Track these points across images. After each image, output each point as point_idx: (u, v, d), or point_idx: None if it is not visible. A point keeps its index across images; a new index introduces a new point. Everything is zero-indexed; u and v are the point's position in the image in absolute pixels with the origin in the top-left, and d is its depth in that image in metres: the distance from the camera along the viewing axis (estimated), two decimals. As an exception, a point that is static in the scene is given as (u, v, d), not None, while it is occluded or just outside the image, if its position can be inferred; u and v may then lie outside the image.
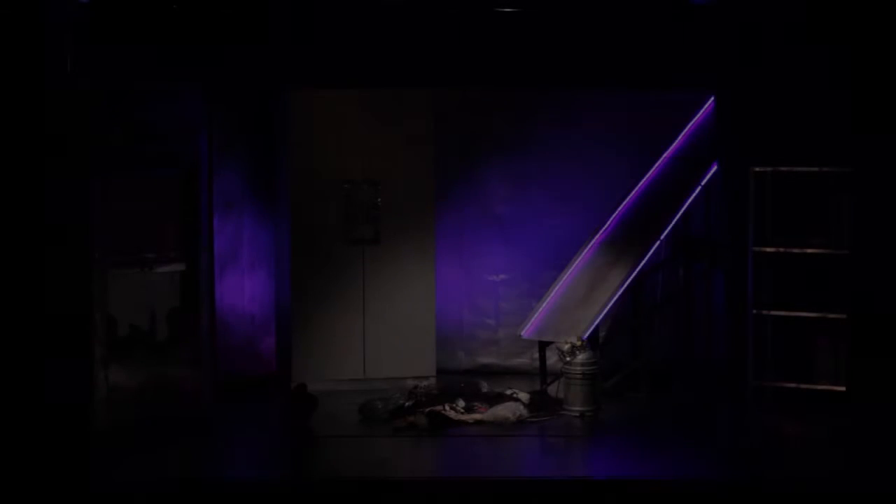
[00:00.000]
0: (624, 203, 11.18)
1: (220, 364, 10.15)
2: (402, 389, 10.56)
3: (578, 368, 10.16)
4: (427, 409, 10.02)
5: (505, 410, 10.05)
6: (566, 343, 10.24)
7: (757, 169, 10.22)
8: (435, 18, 10.20)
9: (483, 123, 11.69)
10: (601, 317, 10.54)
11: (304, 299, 10.96)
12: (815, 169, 10.10)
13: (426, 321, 11.19)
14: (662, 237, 10.89)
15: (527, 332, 10.86)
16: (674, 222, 10.93)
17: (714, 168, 10.86)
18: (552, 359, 10.78)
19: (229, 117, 10.95)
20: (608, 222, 11.11)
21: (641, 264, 10.72)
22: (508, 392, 10.48)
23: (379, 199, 11.05)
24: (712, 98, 10.93)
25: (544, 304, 10.89)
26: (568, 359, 10.19)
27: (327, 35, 10.21)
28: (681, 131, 11.35)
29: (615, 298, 10.55)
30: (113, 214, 9.06)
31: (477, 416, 10.04)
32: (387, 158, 11.07)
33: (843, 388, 9.91)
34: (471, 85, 11.04)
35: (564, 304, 10.79)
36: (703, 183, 11.00)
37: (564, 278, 10.96)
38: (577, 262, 11.01)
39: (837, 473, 8.75)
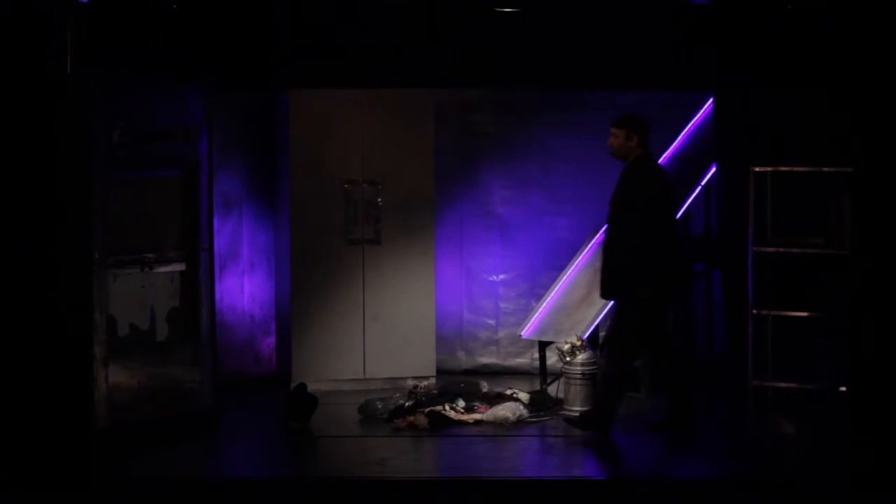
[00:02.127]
0: (624, 203, 11.17)
1: (220, 364, 10.15)
2: (402, 389, 10.57)
3: (578, 368, 10.16)
4: (427, 409, 10.02)
5: (505, 410, 10.05)
6: (566, 343, 10.24)
7: (757, 169, 10.23)
8: (435, 18, 10.21)
9: (483, 124, 11.69)
10: (601, 317, 10.54)
11: (304, 299, 10.96)
12: (815, 169, 10.11)
13: (426, 321, 11.19)
14: (662, 237, 10.88)
15: (527, 332, 10.86)
16: (674, 222, 10.92)
17: (714, 168, 10.86)
18: (552, 359, 10.79)
19: (229, 117, 10.96)
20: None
21: (641, 264, 10.71)
22: (508, 392, 10.48)
23: (379, 199, 11.05)
24: (712, 98, 10.94)
25: (544, 304, 10.89)
26: (568, 359, 10.19)
27: (327, 35, 10.22)
28: (681, 131, 11.35)
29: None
30: (113, 214, 9.05)
31: (477, 416, 10.04)
32: (387, 158, 11.07)
33: (843, 388, 9.92)
34: (471, 85, 11.05)
35: (564, 304, 10.79)
36: (703, 183, 11.00)
37: (564, 278, 10.96)
38: (577, 263, 11.01)
39: (837, 473, 8.75)
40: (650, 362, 10.57)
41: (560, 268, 11.15)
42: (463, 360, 11.78)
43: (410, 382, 10.75)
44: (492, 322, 11.80)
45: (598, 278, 10.72)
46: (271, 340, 11.47)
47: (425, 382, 10.70)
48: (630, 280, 9.36)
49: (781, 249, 10.23)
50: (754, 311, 10.27)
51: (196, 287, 9.54)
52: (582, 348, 10.19)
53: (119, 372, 9.09)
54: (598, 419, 9.49)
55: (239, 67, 10.25)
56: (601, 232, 11.06)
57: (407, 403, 10.13)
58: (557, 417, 10.13)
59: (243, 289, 11.30)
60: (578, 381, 10.17)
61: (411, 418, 9.88)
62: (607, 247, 9.52)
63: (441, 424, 9.85)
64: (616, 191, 9.53)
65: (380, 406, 10.14)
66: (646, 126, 9.50)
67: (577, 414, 9.77)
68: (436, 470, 9.25)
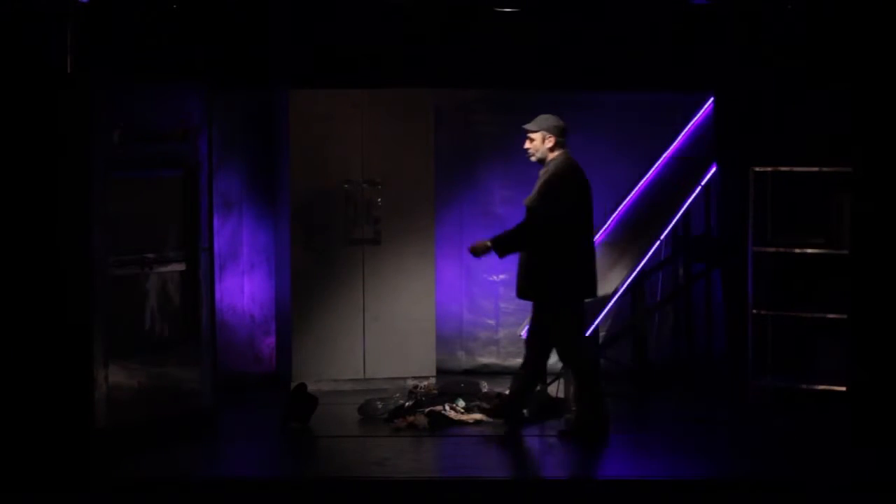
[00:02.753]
0: (624, 203, 11.18)
1: (220, 364, 10.14)
2: (402, 389, 10.56)
3: (578, 368, 10.15)
4: (427, 409, 10.01)
5: (505, 410, 10.05)
6: (566, 343, 10.23)
7: (757, 169, 10.23)
8: (435, 18, 10.21)
9: (483, 124, 11.69)
10: (601, 317, 10.54)
11: (304, 299, 10.96)
12: (815, 169, 10.11)
13: (426, 321, 11.18)
14: (662, 237, 10.88)
15: (527, 332, 10.84)
16: (674, 222, 10.92)
17: (714, 168, 10.86)
18: (552, 359, 10.77)
19: (229, 117, 10.96)
20: (608, 223, 11.11)
21: (641, 264, 10.72)
22: (508, 392, 10.46)
23: (379, 200, 11.05)
24: (712, 98, 10.94)
25: (544, 305, 10.87)
26: (568, 359, 10.18)
27: (327, 35, 10.22)
28: (681, 131, 11.35)
29: (615, 298, 10.55)
30: (113, 214, 9.05)
31: (477, 416, 10.04)
32: (387, 158, 11.07)
33: (843, 388, 9.92)
34: (471, 85, 11.05)
35: (564, 304, 10.76)
36: (703, 183, 11.00)
37: (564, 278, 10.95)
38: (577, 263, 11.00)
39: (837, 473, 8.75)
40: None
41: (560, 268, 11.13)
42: (463, 360, 11.78)
43: (410, 382, 10.75)
44: (492, 322, 11.80)
45: (598, 278, 10.76)
46: (271, 340, 11.47)
47: (425, 382, 10.70)
48: (544, 282, 9.41)
49: (781, 249, 10.23)
50: (754, 311, 10.26)
51: (196, 287, 9.53)
52: (582, 348, 10.18)
53: (119, 372, 9.09)
54: (588, 423, 9.47)
55: (239, 67, 10.25)
56: (601, 232, 11.07)
57: (407, 403, 10.13)
58: (557, 418, 10.13)
59: (243, 289, 11.29)
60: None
61: (411, 418, 9.87)
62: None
63: (441, 424, 9.84)
64: (533, 193, 9.55)
65: (380, 406, 10.14)
66: (562, 127, 9.54)
67: (568, 427, 9.66)
68: (436, 470, 9.25)
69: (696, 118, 11.35)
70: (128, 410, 9.10)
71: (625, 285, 10.61)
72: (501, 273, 11.74)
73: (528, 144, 9.60)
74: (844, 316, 9.87)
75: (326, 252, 11.00)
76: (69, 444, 8.88)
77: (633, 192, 11.21)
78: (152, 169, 9.33)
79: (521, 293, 9.69)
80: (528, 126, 9.57)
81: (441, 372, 11.29)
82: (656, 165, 11.27)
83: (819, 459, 9.04)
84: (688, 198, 10.96)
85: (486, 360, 11.77)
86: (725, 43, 10.14)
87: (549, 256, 9.42)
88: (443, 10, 10.20)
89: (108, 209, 9.01)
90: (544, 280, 9.47)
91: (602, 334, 10.87)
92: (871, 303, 9.66)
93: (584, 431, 9.44)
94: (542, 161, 9.59)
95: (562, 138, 9.56)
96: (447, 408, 10.08)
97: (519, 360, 11.71)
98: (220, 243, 10.72)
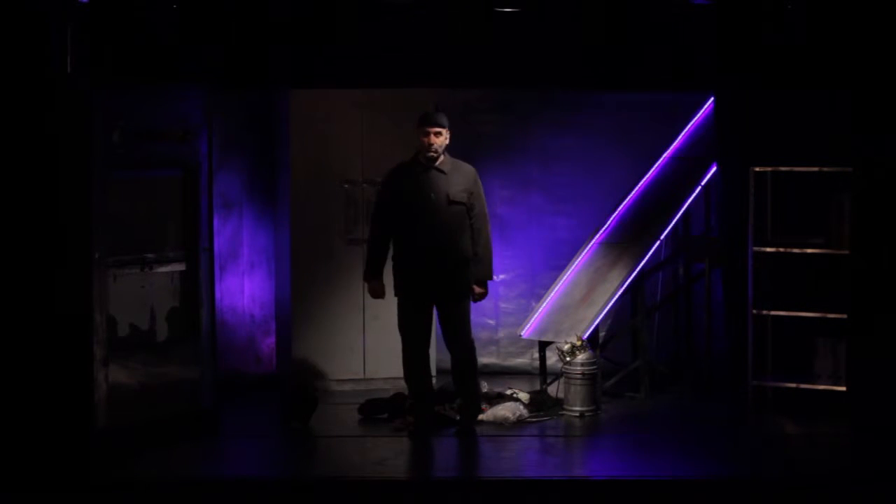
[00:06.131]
0: (624, 203, 11.18)
1: (220, 364, 10.14)
2: (402, 389, 10.56)
3: (578, 368, 10.16)
4: (427, 409, 10.02)
5: (505, 410, 10.05)
6: (566, 343, 10.24)
7: (757, 169, 10.23)
8: (435, 18, 10.21)
9: (483, 124, 11.69)
10: (601, 317, 10.54)
11: (304, 299, 10.96)
12: (816, 169, 10.11)
13: (426, 321, 11.17)
14: (662, 237, 10.88)
15: (527, 332, 10.86)
16: (674, 222, 10.92)
17: (714, 168, 10.86)
18: (552, 359, 10.78)
19: (229, 117, 10.96)
20: (608, 223, 11.11)
21: (641, 264, 10.72)
22: (508, 392, 10.48)
23: (379, 199, 11.04)
24: (712, 98, 10.94)
25: (544, 304, 10.89)
26: (568, 359, 10.19)
27: (328, 35, 10.21)
28: (681, 131, 11.35)
29: (615, 298, 10.55)
30: (113, 214, 9.05)
31: (477, 416, 10.03)
32: (387, 158, 11.04)
33: (843, 388, 9.92)
34: (471, 85, 11.04)
35: (564, 304, 10.78)
36: (703, 183, 10.99)
37: (564, 278, 10.96)
38: (577, 263, 11.01)
39: (837, 473, 8.75)
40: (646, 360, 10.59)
41: (560, 268, 11.15)
42: (463, 360, 11.76)
43: (410, 382, 10.74)
44: (492, 322, 11.80)
45: (598, 277, 10.77)
46: (271, 340, 11.47)
47: (425, 382, 10.68)
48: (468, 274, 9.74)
49: (781, 249, 10.23)
50: (754, 311, 10.26)
51: (196, 287, 9.54)
52: (582, 348, 10.19)
53: (119, 372, 9.09)
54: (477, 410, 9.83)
55: (239, 67, 10.24)
56: (601, 231, 11.08)
57: (407, 403, 10.13)
58: (558, 417, 10.14)
59: (243, 289, 11.30)
60: (578, 381, 10.17)
61: (411, 418, 9.87)
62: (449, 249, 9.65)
63: (441, 424, 9.84)
64: (452, 191, 9.69)
65: (380, 406, 10.14)
66: None
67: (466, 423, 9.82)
68: (436, 470, 9.25)
69: (696, 118, 11.35)
70: (128, 410, 9.10)
71: (625, 285, 10.61)
72: (501, 273, 11.74)
73: (440, 140, 9.62)
74: (844, 316, 9.88)
75: (326, 252, 11.00)
76: (69, 444, 8.88)
77: (633, 192, 11.21)
78: (152, 169, 9.34)
79: (458, 289, 9.66)
80: (441, 121, 9.60)
81: (441, 372, 11.26)
82: (656, 165, 11.27)
83: (819, 459, 9.05)
84: (688, 198, 10.96)
85: (486, 360, 11.74)
86: (725, 43, 10.14)
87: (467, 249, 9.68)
88: (443, 9, 10.19)
89: (108, 209, 9.01)
90: (468, 272, 9.67)
91: (602, 334, 10.88)
92: (871, 303, 9.67)
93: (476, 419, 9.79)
94: (435, 158, 9.62)
95: None
96: (447, 408, 10.08)
97: (519, 361, 11.77)
98: (220, 243, 10.72)
